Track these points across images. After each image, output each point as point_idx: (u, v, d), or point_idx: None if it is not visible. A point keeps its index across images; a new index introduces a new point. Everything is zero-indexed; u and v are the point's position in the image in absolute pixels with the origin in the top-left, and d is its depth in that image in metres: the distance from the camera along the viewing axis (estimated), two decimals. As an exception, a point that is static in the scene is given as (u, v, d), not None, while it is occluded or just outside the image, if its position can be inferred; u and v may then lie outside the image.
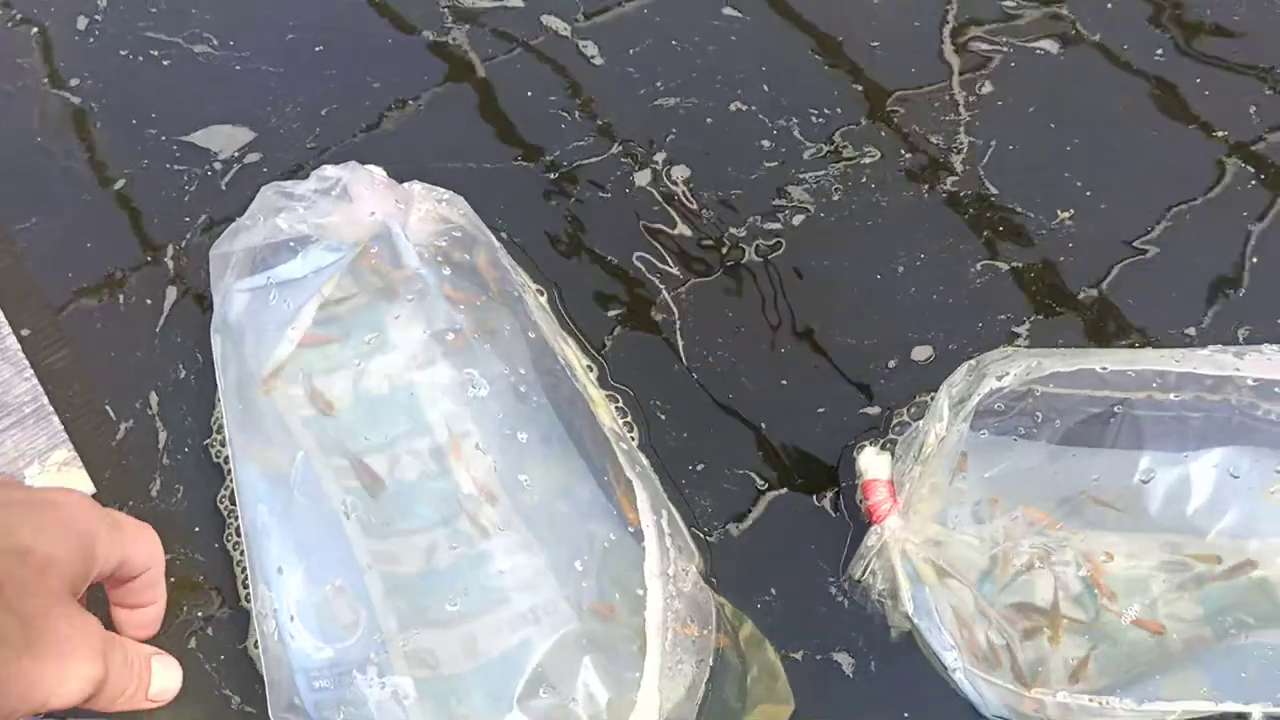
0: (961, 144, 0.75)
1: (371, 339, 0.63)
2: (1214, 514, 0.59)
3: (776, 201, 0.73)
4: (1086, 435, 0.60)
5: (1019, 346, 0.67)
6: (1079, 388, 0.60)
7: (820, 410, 0.66)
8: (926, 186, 0.73)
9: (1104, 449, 0.60)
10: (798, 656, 0.59)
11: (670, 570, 0.55)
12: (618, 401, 0.64)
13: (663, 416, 0.65)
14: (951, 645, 0.56)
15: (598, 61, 0.79)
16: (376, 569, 0.57)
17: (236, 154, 0.76)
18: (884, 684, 0.58)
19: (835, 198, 0.73)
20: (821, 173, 0.73)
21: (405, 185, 0.67)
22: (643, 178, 0.74)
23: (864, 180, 0.73)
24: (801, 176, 0.74)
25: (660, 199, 0.73)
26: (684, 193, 0.73)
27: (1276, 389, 0.59)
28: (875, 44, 0.80)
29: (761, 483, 0.63)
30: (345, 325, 0.64)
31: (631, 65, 0.79)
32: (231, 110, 0.78)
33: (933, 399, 0.60)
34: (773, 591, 0.60)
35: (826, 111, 0.77)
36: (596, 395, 0.62)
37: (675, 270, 0.70)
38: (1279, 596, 0.58)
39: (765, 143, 0.75)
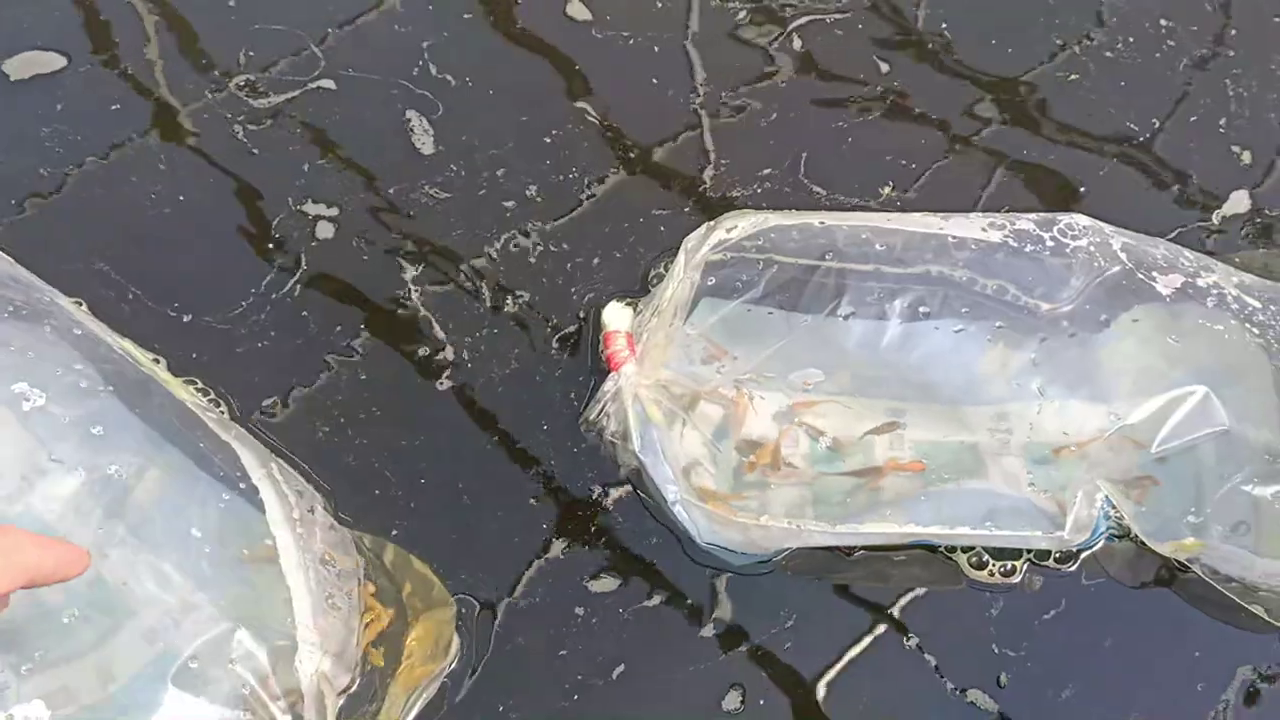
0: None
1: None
2: (905, 349, 0.65)
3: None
4: (806, 291, 0.64)
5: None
6: (811, 256, 0.63)
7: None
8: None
9: (818, 311, 0.64)
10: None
11: (295, 515, 0.54)
12: (197, 383, 0.61)
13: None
14: (672, 478, 0.58)
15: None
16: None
17: None
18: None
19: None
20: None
21: None
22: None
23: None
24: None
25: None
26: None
27: (972, 245, 0.63)
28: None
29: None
30: None
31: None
32: None
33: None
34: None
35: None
36: (170, 378, 0.59)
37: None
38: (982, 456, 0.64)
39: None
